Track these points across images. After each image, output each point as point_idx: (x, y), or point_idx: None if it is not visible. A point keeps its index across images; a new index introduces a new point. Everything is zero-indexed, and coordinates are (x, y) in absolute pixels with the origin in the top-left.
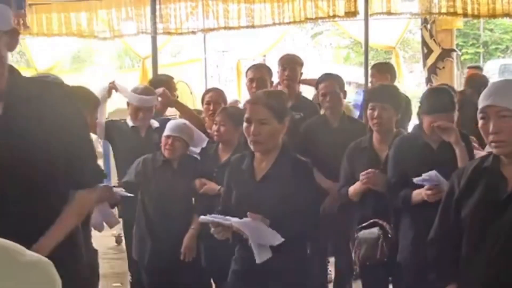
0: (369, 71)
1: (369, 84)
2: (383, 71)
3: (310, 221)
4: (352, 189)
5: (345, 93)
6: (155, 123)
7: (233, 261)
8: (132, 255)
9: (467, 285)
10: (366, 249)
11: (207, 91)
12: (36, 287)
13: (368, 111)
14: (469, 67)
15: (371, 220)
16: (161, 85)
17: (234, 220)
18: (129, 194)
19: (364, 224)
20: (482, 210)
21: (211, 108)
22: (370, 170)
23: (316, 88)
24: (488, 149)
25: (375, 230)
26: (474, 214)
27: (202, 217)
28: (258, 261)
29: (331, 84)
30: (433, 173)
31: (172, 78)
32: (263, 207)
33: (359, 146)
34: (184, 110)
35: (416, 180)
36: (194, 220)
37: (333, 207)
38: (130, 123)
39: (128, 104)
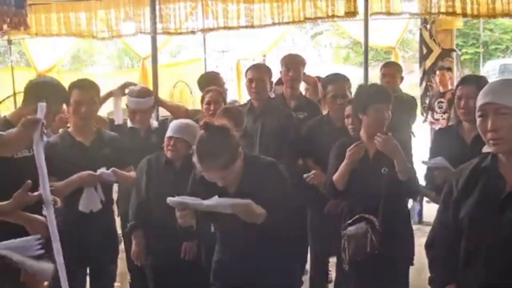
0: (374, 71)
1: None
2: (394, 70)
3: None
4: (336, 175)
5: (350, 93)
6: (154, 123)
7: (214, 262)
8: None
9: (466, 286)
10: (355, 245)
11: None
12: None
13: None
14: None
15: (357, 216)
16: (209, 82)
17: (206, 203)
18: (110, 178)
19: (349, 221)
20: (481, 210)
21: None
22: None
23: (324, 88)
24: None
25: (362, 225)
26: (473, 214)
27: (169, 198)
28: None
29: (342, 85)
30: (439, 158)
31: (219, 74)
32: (243, 221)
33: (347, 144)
34: (167, 106)
35: (425, 162)
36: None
37: (337, 208)
38: (129, 124)
39: (126, 105)
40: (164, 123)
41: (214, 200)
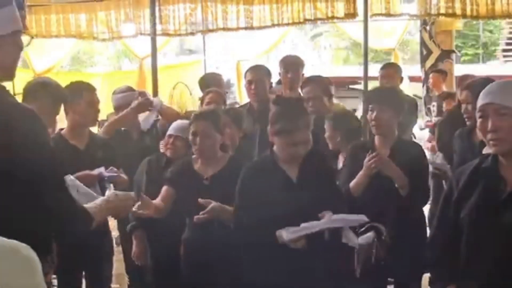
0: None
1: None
2: (393, 72)
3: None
4: (353, 182)
5: (330, 95)
6: (146, 125)
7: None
8: (131, 256)
9: (466, 286)
10: (363, 256)
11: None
12: (15, 271)
13: (368, 113)
14: (432, 71)
15: (368, 224)
16: (211, 83)
17: (321, 222)
18: (114, 174)
19: (361, 230)
20: (481, 211)
21: None
22: (375, 153)
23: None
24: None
25: (370, 235)
26: (473, 215)
27: (286, 236)
28: (356, 246)
29: (313, 88)
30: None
31: (220, 75)
32: (306, 207)
33: (362, 147)
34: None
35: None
36: None
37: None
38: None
39: (114, 108)
40: (154, 125)
41: (326, 220)
